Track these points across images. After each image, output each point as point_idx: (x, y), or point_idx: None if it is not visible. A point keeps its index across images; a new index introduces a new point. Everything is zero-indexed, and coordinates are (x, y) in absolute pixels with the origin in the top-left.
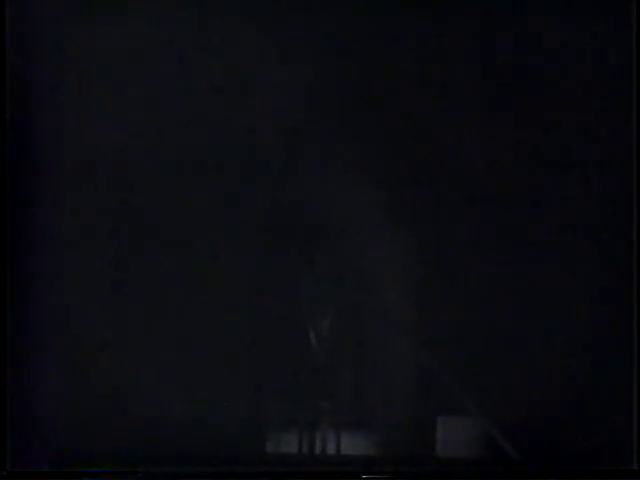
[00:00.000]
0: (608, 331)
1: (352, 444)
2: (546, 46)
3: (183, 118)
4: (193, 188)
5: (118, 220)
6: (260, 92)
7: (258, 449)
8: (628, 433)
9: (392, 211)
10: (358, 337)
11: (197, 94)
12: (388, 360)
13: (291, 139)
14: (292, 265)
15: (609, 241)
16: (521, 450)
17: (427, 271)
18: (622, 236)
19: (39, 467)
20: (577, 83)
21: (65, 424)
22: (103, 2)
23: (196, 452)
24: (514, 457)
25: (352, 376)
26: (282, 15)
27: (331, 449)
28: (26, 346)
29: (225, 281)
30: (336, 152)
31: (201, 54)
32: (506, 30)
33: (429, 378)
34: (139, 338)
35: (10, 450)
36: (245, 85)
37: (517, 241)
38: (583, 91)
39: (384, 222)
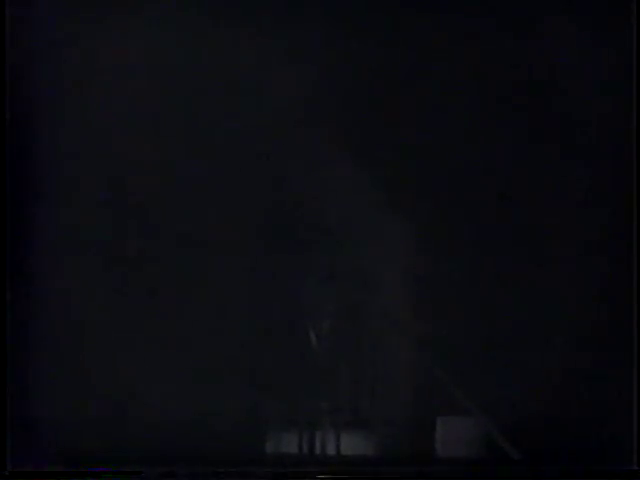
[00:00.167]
0: (608, 331)
1: (352, 444)
2: (545, 46)
3: (183, 118)
4: (193, 188)
5: (118, 220)
6: (260, 91)
7: (258, 449)
8: (628, 433)
9: (392, 211)
10: (358, 337)
11: (197, 94)
12: (388, 360)
13: (291, 139)
14: (292, 265)
15: (609, 241)
16: (521, 450)
17: (427, 271)
18: (622, 236)
19: (40, 467)
20: (577, 83)
21: (65, 424)
22: (103, 2)
23: (196, 452)
24: (514, 457)
25: (352, 376)
26: (283, 15)
27: (331, 449)
28: (26, 346)
29: (225, 281)
30: (337, 152)
31: (201, 54)
32: (505, 29)
33: (429, 378)
34: (139, 338)
35: (11, 450)
36: (245, 85)
37: (517, 241)
38: (583, 92)
39: (384, 222)
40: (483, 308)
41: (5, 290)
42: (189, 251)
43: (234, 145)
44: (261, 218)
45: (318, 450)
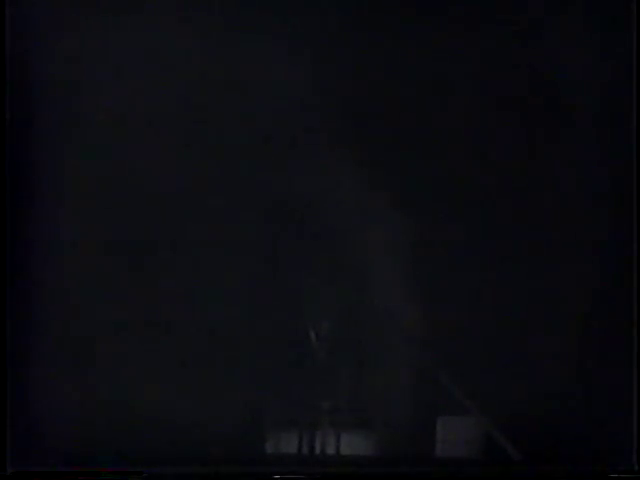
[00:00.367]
0: (608, 331)
1: (352, 444)
2: (545, 45)
3: (183, 118)
4: (193, 188)
5: (118, 220)
6: (260, 91)
7: (258, 449)
8: (628, 433)
9: (393, 210)
10: (358, 337)
11: (197, 95)
12: (388, 360)
13: (291, 139)
14: (292, 265)
15: (609, 240)
16: (521, 450)
17: (428, 270)
18: (622, 235)
19: (40, 468)
20: (576, 84)
21: (66, 424)
22: (103, 2)
23: (196, 452)
24: (514, 457)
25: (352, 376)
26: (283, 14)
27: (331, 449)
28: (26, 346)
29: (224, 281)
30: (337, 151)
31: (201, 54)
32: (505, 29)
33: (429, 378)
34: (139, 338)
35: (10, 451)
36: (245, 84)
37: (517, 240)
38: (583, 92)
39: (385, 221)
40: (483, 308)
41: (5, 290)
42: (188, 251)
43: (233, 145)
44: (261, 217)
45: (318, 450)
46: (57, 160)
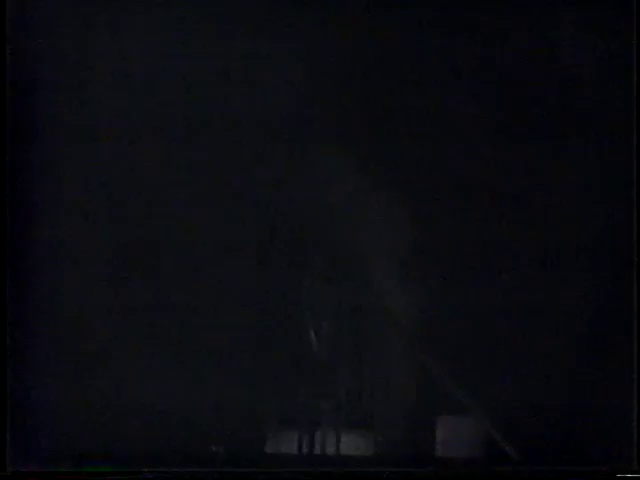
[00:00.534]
0: (608, 331)
1: (352, 444)
2: (545, 45)
3: (182, 118)
4: (193, 188)
5: (118, 221)
6: (260, 90)
7: (258, 449)
8: (628, 433)
9: (393, 210)
10: (358, 337)
11: (196, 95)
12: (388, 360)
13: (291, 139)
14: (292, 265)
15: (609, 240)
16: (521, 450)
17: (428, 271)
18: (622, 236)
19: (40, 467)
20: (577, 83)
21: (66, 424)
22: (103, 2)
23: (196, 452)
24: (514, 457)
25: (352, 376)
26: (284, 12)
27: (331, 449)
28: (26, 346)
29: (225, 281)
30: (337, 152)
31: (201, 53)
32: (504, 28)
33: (429, 378)
34: (140, 338)
35: (10, 450)
36: (245, 84)
37: (518, 241)
38: (583, 91)
39: (385, 221)
40: (484, 308)
41: (5, 290)
42: (190, 251)
43: (233, 144)
44: (262, 218)
45: (318, 450)
46: (56, 160)
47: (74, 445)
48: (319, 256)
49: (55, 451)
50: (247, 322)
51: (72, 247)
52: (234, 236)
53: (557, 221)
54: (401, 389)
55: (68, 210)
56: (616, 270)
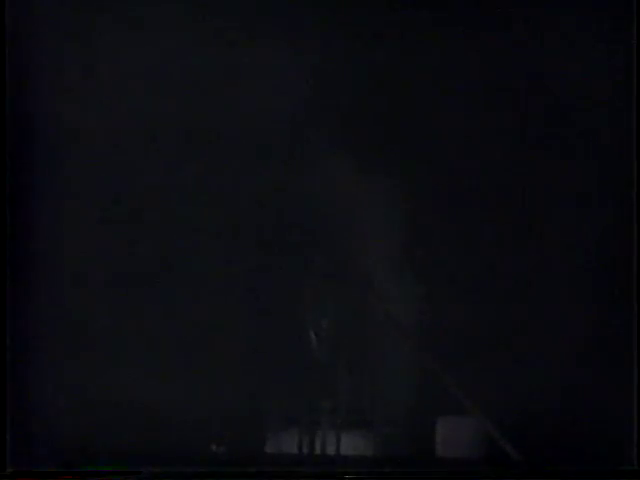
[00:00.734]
0: (608, 331)
1: (352, 444)
2: (546, 45)
3: (183, 118)
4: (193, 188)
5: (118, 220)
6: (260, 89)
7: (258, 449)
8: (628, 433)
9: (393, 210)
10: (358, 337)
11: (196, 95)
12: (388, 360)
13: (291, 137)
14: (292, 265)
15: (609, 241)
16: (521, 450)
17: (428, 271)
18: (622, 236)
19: (40, 467)
20: (577, 83)
21: (66, 424)
22: (103, 2)
23: (196, 452)
24: (514, 457)
25: (352, 376)
26: (284, 11)
27: (331, 449)
28: (26, 346)
29: (225, 281)
30: (337, 150)
31: (201, 53)
32: (504, 28)
33: (429, 378)
34: (139, 338)
35: (10, 450)
36: (245, 83)
37: (518, 241)
38: (583, 92)
39: (385, 221)
40: (484, 307)
41: (5, 289)
42: (189, 250)
43: (233, 144)
44: (261, 217)
45: (318, 450)
46: (56, 160)
47: (74, 445)
48: (319, 256)
49: (55, 451)
50: (247, 322)
51: (72, 247)
52: (234, 236)
53: (557, 221)
54: (401, 389)
55: (68, 210)
56: (616, 270)
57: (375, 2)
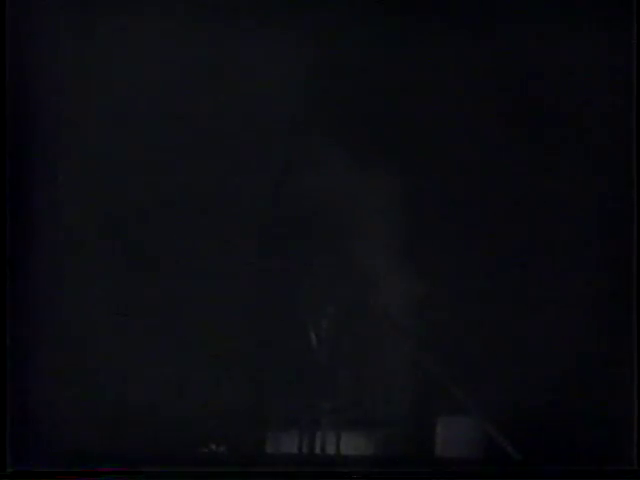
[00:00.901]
0: (608, 331)
1: (352, 444)
2: (546, 45)
3: (182, 118)
4: (193, 187)
5: (117, 220)
6: (260, 87)
7: (258, 449)
8: (628, 433)
9: (394, 209)
10: (358, 337)
11: (196, 95)
12: (388, 360)
13: (291, 137)
14: (292, 264)
15: (609, 241)
16: (521, 450)
17: (428, 271)
18: (622, 236)
19: (40, 467)
20: (577, 83)
21: (66, 424)
22: (103, 2)
23: (196, 452)
24: (514, 457)
25: (352, 376)
26: (284, 11)
27: (331, 449)
28: (26, 346)
29: (225, 280)
30: (336, 150)
31: (200, 52)
32: (504, 28)
33: (429, 378)
34: (139, 338)
35: (10, 450)
36: (244, 82)
37: (518, 241)
38: (583, 92)
39: (385, 221)
40: (484, 307)
41: (5, 290)
42: (189, 250)
43: (233, 144)
44: (261, 217)
45: (318, 450)
46: (56, 160)
47: (74, 445)
48: (319, 256)
49: (55, 451)
50: (247, 322)
51: (72, 246)
52: (234, 236)
53: (557, 221)
54: (401, 389)
55: (68, 210)
56: (616, 270)
57: (375, 2)
